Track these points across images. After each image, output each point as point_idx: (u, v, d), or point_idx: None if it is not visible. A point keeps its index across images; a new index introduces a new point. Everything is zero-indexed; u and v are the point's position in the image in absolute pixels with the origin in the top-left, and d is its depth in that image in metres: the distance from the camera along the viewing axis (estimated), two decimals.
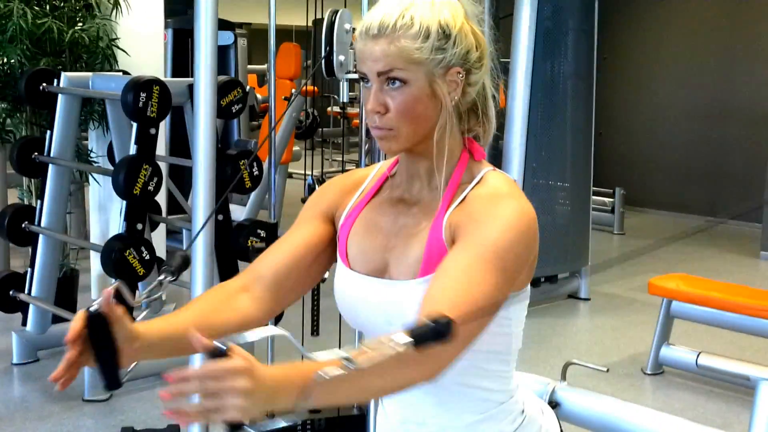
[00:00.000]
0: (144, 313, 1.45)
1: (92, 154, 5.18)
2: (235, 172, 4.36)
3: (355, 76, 1.40)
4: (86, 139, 5.46)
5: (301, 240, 1.51)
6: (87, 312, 1.21)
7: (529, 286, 1.45)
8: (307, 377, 1.09)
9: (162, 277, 1.58)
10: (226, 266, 4.48)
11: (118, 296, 1.24)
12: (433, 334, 1.10)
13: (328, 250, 1.53)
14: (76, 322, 1.22)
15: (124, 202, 4.17)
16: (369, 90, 1.40)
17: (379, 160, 2.59)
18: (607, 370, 3.19)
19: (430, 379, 1.22)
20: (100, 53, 5.12)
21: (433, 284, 1.29)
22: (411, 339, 1.10)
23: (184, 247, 6.77)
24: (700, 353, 4.48)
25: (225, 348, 1.05)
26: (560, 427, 1.60)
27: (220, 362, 1.05)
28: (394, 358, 1.10)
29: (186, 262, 1.61)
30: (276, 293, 1.49)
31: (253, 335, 1.14)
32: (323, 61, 3.28)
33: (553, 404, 2.99)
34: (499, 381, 1.46)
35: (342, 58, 3.28)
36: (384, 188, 1.51)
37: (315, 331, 3.39)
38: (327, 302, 3.25)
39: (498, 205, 1.36)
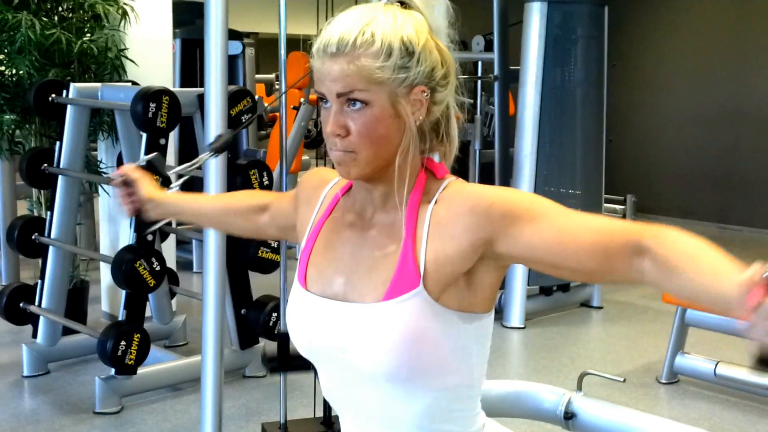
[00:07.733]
0: (177, 183, 1.84)
1: (102, 165, 5.16)
2: (245, 181, 4.34)
3: None
4: (95, 149, 5.45)
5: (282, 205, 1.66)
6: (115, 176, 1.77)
7: (492, 312, 1.35)
8: None
9: (205, 154, 1.89)
10: (236, 276, 4.46)
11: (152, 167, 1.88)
12: None
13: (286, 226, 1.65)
14: (115, 180, 1.78)
15: None
16: (328, 111, 1.30)
17: None
18: (624, 381, 3.15)
19: None
20: (109, 64, 5.11)
21: (572, 243, 1.21)
22: None
23: (194, 269, 6.76)
24: (718, 363, 4.44)
25: None
26: None
27: None
28: None
29: (227, 143, 1.90)
30: (270, 224, 1.69)
31: None
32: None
33: (570, 415, 2.95)
34: (462, 423, 1.37)
35: None
36: (337, 208, 1.43)
37: None
38: None
39: (489, 190, 1.29)
